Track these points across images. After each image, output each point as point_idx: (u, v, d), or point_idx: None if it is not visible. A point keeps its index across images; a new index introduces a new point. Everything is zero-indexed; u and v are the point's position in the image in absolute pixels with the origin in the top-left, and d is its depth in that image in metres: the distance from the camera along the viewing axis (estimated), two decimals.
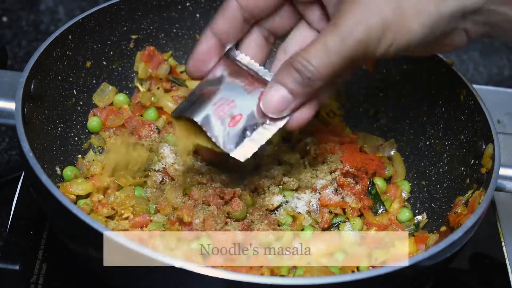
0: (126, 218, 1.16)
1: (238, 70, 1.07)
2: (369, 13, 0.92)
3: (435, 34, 0.95)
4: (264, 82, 1.05)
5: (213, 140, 1.02)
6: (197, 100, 1.06)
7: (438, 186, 1.30)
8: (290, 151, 1.32)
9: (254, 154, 1.30)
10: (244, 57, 1.08)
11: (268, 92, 1.00)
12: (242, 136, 1.03)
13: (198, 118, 1.03)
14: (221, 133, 1.03)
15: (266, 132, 1.04)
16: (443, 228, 1.21)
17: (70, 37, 1.26)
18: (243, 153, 1.04)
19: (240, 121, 1.03)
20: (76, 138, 1.30)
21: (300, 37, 1.09)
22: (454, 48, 1.01)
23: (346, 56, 0.93)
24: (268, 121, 1.04)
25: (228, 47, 1.08)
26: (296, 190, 1.26)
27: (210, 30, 1.05)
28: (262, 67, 1.08)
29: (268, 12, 1.06)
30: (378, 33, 0.92)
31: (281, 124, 1.04)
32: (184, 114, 1.05)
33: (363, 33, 0.92)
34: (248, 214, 1.19)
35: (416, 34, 0.93)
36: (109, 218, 1.16)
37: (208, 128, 1.02)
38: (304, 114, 1.03)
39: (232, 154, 1.03)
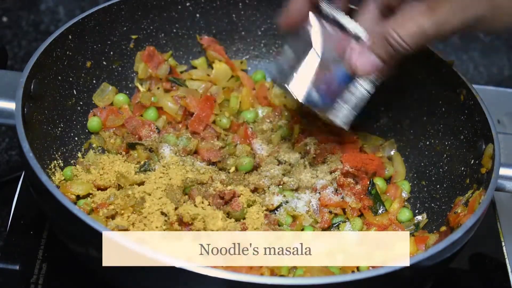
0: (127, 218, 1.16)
1: (326, 27, 1.12)
2: (468, 7, 0.99)
3: None
4: (353, 36, 1.11)
5: (320, 115, 1.14)
6: (293, 67, 1.12)
7: (438, 186, 1.30)
8: (290, 151, 1.32)
9: (254, 154, 1.30)
10: (334, 11, 1.13)
11: (362, 57, 1.09)
12: (340, 105, 1.14)
13: (302, 99, 1.12)
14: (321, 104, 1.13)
15: (359, 97, 1.14)
16: (443, 228, 1.21)
17: (70, 37, 1.26)
18: (346, 121, 1.17)
19: (335, 88, 1.13)
20: (76, 138, 1.30)
21: None
22: None
23: (433, 39, 1.02)
24: (358, 84, 1.13)
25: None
26: (296, 190, 1.26)
27: None
28: (352, 21, 1.13)
29: None
30: (472, 24, 1.01)
31: (370, 89, 1.14)
32: (288, 90, 1.13)
33: (459, 24, 1.00)
34: (248, 214, 1.19)
35: (500, 30, 1.03)
36: (109, 218, 1.16)
37: (313, 105, 1.13)
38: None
39: (342, 126, 1.15)
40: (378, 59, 1.07)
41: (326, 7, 1.12)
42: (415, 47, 1.03)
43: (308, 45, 1.11)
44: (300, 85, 1.11)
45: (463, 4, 1.00)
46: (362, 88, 1.13)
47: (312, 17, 1.12)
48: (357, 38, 1.11)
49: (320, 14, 1.13)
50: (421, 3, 1.01)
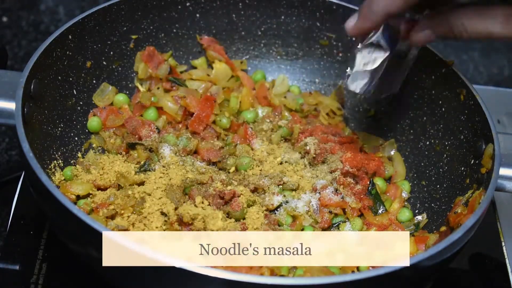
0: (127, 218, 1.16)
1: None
2: None
3: None
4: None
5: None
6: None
7: (438, 186, 1.30)
8: (290, 151, 1.32)
9: (254, 155, 1.30)
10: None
11: (421, 28, 1.08)
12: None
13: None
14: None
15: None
16: (443, 228, 1.21)
17: (70, 37, 1.26)
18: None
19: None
20: (76, 138, 1.30)
21: None
22: None
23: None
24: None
25: None
26: (296, 190, 1.26)
27: (382, 9, 1.06)
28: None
29: None
30: None
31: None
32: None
33: None
34: (248, 214, 1.19)
35: None
36: (109, 218, 1.16)
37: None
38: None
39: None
40: (433, 35, 1.05)
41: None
42: (472, 40, 1.03)
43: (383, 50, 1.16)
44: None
45: None
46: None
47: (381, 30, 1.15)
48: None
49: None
50: (498, 7, 0.99)
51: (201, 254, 1.10)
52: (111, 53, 1.37)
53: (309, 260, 1.13)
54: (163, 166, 1.25)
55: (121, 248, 0.92)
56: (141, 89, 1.40)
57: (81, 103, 1.32)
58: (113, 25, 1.35)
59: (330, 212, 1.23)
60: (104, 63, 1.36)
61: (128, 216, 1.14)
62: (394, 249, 1.18)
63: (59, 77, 1.25)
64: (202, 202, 1.17)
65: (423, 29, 1.07)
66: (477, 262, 1.33)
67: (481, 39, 1.01)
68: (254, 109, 1.42)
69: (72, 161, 1.28)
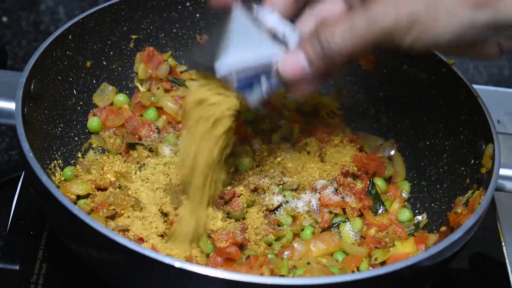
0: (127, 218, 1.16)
1: (251, 22, 1.05)
2: (401, 3, 0.91)
3: (465, 39, 0.93)
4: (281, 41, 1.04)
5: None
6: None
7: (438, 186, 1.30)
8: (290, 151, 1.32)
9: (254, 154, 1.30)
10: (270, 18, 1.05)
11: (289, 56, 1.00)
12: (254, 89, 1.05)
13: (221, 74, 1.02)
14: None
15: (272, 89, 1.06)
16: (443, 228, 1.21)
17: (70, 37, 1.26)
18: (254, 104, 1.06)
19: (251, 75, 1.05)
20: (76, 138, 1.30)
21: (331, 4, 1.07)
22: (485, 58, 0.99)
23: (370, 40, 0.93)
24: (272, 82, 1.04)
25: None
26: (296, 190, 1.26)
27: None
28: (287, 25, 1.05)
29: None
30: (406, 25, 0.91)
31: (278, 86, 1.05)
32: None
33: (390, 22, 0.91)
34: (248, 214, 1.19)
35: (444, 35, 0.92)
36: (109, 218, 1.16)
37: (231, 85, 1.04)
38: (305, 88, 1.05)
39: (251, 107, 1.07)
40: (305, 59, 0.98)
41: (256, 8, 1.06)
42: (347, 48, 0.95)
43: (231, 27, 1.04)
44: (224, 63, 1.03)
45: (399, 1, 0.91)
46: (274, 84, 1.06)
47: (238, 7, 1.05)
48: (284, 43, 1.04)
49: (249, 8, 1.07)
50: (359, 5, 0.96)
51: (201, 254, 1.10)
52: (111, 53, 1.37)
53: (309, 260, 1.13)
54: (164, 165, 1.25)
55: (121, 248, 0.92)
56: (141, 89, 1.40)
57: (81, 103, 1.32)
58: (113, 25, 1.34)
59: (330, 212, 1.23)
60: (104, 63, 1.36)
61: (128, 216, 1.14)
62: (394, 249, 1.18)
63: (59, 77, 1.25)
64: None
65: (292, 52, 1.00)
66: (477, 262, 1.33)
67: (350, 46, 0.94)
68: None
69: (72, 161, 1.28)
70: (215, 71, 1.02)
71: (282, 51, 1.02)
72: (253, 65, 1.02)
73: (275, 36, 1.04)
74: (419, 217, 1.29)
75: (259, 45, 1.03)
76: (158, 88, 1.38)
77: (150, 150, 1.28)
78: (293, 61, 1.00)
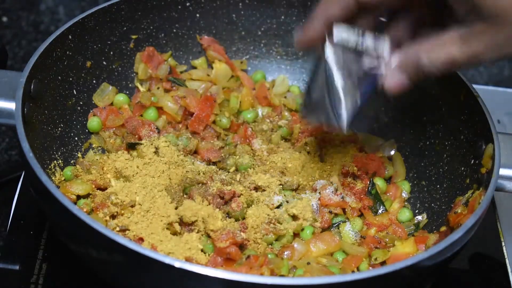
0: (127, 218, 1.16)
1: (344, 52, 1.08)
2: (501, 44, 0.95)
3: None
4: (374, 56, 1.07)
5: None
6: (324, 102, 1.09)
7: (438, 186, 1.30)
8: (290, 151, 1.32)
9: (254, 154, 1.30)
10: (351, 32, 1.08)
11: (392, 77, 1.04)
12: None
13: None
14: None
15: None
16: (443, 228, 1.21)
17: (70, 37, 1.26)
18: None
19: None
20: (76, 138, 1.30)
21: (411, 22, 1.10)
22: None
23: (466, 66, 1.00)
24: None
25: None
26: (296, 190, 1.26)
27: (320, 13, 1.06)
28: (374, 39, 1.08)
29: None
30: (505, 58, 0.99)
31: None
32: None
33: (492, 59, 0.97)
34: (248, 214, 1.19)
35: None
36: (109, 218, 1.16)
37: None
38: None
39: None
40: (406, 80, 1.04)
41: (341, 32, 1.08)
42: (443, 72, 1.01)
43: (330, 76, 1.09)
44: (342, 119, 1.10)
45: (498, 42, 0.95)
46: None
47: (328, 46, 1.08)
48: (378, 57, 1.08)
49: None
50: (453, 31, 0.98)
51: (201, 253, 1.10)
52: (111, 53, 1.37)
53: (309, 260, 1.13)
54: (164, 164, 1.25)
55: (121, 248, 0.92)
56: (141, 89, 1.40)
57: (81, 103, 1.32)
58: (113, 25, 1.35)
59: (330, 212, 1.23)
60: (104, 63, 1.36)
61: (128, 216, 1.14)
62: (394, 249, 1.18)
63: (59, 77, 1.25)
64: (202, 202, 1.18)
65: (393, 72, 1.04)
66: (477, 262, 1.33)
67: (448, 70, 0.99)
68: (254, 109, 1.42)
69: (72, 161, 1.28)
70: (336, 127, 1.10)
71: (381, 65, 1.07)
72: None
73: (366, 52, 1.08)
74: (419, 217, 1.29)
75: (360, 81, 1.09)
76: (158, 88, 1.38)
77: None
78: (395, 81, 1.04)
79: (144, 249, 0.92)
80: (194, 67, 1.47)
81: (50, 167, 1.21)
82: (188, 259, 1.08)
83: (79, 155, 1.29)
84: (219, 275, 0.90)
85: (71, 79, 1.29)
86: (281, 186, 1.25)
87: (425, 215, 1.29)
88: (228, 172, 1.28)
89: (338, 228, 1.24)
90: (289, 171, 1.28)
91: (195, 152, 1.31)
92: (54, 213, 1.05)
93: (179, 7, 1.41)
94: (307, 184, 1.27)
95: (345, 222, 1.24)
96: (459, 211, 1.16)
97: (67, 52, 1.26)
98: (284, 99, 1.44)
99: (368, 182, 1.29)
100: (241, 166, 1.27)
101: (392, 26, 1.10)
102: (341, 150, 1.32)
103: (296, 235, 1.21)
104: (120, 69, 1.39)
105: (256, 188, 1.24)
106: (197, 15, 1.43)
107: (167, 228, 1.13)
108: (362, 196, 1.26)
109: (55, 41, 1.21)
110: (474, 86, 1.24)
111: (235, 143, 1.33)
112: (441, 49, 0.98)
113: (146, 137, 1.30)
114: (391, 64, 1.05)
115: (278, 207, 1.23)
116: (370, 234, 1.23)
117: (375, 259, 1.16)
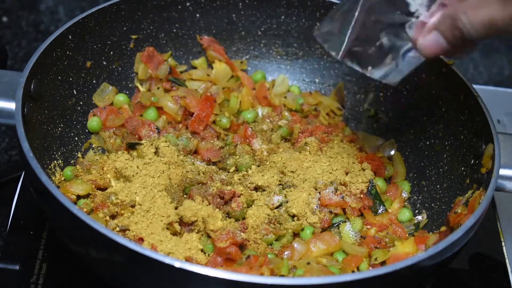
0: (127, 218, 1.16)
1: None
2: None
3: None
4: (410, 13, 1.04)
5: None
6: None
7: (438, 186, 1.30)
8: (290, 151, 1.32)
9: (254, 154, 1.30)
10: None
11: (429, 37, 1.02)
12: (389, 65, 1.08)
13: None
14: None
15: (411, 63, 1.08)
16: (443, 228, 1.21)
17: (70, 37, 1.26)
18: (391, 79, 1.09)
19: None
20: (76, 138, 1.30)
21: None
22: None
23: (506, 32, 0.95)
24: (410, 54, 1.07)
25: None
26: (296, 190, 1.26)
27: None
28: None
29: None
30: None
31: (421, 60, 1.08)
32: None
33: None
34: (248, 214, 1.19)
35: None
36: (109, 218, 1.16)
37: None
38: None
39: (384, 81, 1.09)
40: (444, 41, 1.00)
41: None
42: (483, 36, 0.97)
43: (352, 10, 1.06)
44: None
45: None
46: (413, 59, 1.08)
47: None
48: (416, 15, 1.04)
49: None
50: None
51: (201, 253, 1.10)
52: (111, 53, 1.37)
53: (309, 260, 1.13)
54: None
55: (121, 248, 0.92)
56: (141, 89, 1.40)
57: (81, 103, 1.32)
58: (113, 25, 1.35)
59: (330, 212, 1.23)
60: (104, 63, 1.36)
61: (128, 216, 1.14)
62: (394, 249, 1.18)
63: (59, 77, 1.25)
64: (202, 202, 1.18)
65: (430, 30, 1.01)
66: (477, 262, 1.33)
67: (487, 32, 0.96)
68: (254, 109, 1.42)
69: (72, 161, 1.28)
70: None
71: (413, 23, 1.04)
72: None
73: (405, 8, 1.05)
74: (419, 217, 1.29)
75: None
76: (158, 88, 1.38)
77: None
78: (431, 42, 1.01)
79: (144, 249, 0.92)
80: (194, 67, 1.47)
81: (50, 167, 1.21)
82: (188, 259, 1.08)
83: (79, 155, 1.29)
84: (219, 275, 0.90)
85: (71, 79, 1.29)
86: (281, 186, 1.25)
87: (425, 215, 1.29)
88: (228, 172, 1.28)
89: (338, 228, 1.24)
90: (289, 171, 1.28)
91: (195, 152, 1.31)
92: (54, 213, 1.05)
93: (179, 7, 1.41)
94: (307, 184, 1.27)
95: (345, 222, 1.24)
96: (459, 211, 1.17)
97: (67, 52, 1.26)
98: (284, 99, 1.44)
99: (368, 182, 1.29)
100: (241, 166, 1.27)
101: None
102: (341, 150, 1.32)
103: (296, 235, 1.21)
104: (120, 69, 1.39)
105: (256, 188, 1.24)
106: (197, 15, 1.43)
107: (167, 228, 1.13)
108: (362, 196, 1.27)
109: (55, 41, 1.21)
110: (474, 86, 1.24)
111: (235, 143, 1.33)
112: (481, 9, 0.95)
113: (146, 137, 1.30)
114: (428, 21, 1.02)
115: (278, 207, 1.23)
116: (370, 234, 1.23)
117: (375, 259, 1.16)
